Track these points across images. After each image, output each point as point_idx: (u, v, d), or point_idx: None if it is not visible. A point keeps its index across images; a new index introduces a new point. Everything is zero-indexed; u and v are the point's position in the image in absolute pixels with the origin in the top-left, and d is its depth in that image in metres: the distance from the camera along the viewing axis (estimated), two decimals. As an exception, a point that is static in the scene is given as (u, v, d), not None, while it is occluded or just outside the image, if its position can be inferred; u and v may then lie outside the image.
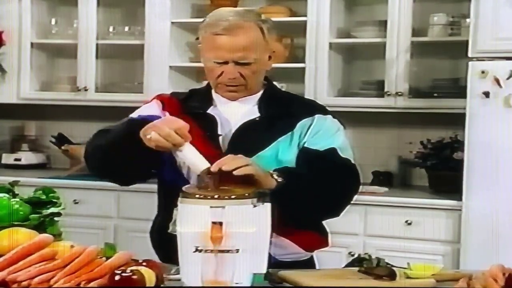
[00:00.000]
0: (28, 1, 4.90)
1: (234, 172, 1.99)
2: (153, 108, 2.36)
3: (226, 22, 2.24)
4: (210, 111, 2.35)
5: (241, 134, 2.30)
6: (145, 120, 2.17)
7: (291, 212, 2.13)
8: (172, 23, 4.68)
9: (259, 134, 2.29)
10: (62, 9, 5.07)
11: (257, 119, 2.32)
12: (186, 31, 4.76)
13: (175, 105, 2.38)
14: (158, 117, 2.26)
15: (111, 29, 4.86)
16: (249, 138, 2.28)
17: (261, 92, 2.38)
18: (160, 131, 2.04)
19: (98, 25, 4.81)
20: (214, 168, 2.00)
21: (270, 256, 2.15)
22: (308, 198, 2.19)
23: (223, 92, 2.34)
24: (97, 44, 4.80)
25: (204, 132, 2.29)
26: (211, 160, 2.05)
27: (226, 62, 2.26)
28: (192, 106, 2.37)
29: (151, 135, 2.04)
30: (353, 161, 2.32)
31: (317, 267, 2.41)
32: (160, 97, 2.43)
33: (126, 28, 4.84)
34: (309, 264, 2.39)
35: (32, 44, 4.94)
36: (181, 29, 4.74)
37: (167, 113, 2.34)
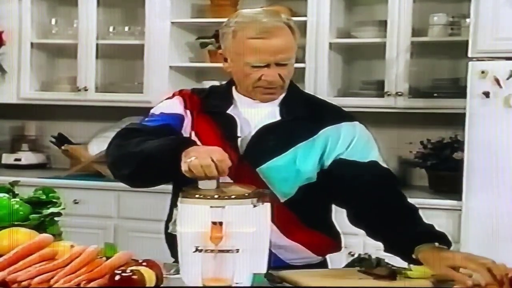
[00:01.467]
0: (28, 1, 4.89)
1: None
2: (175, 106, 2.33)
3: (261, 25, 2.21)
4: (230, 111, 2.30)
5: (260, 137, 2.26)
6: (190, 140, 2.17)
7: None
8: (172, 23, 4.67)
9: (279, 138, 2.25)
10: (62, 9, 5.06)
11: (278, 122, 2.29)
12: (186, 31, 4.76)
13: (196, 103, 2.34)
14: (181, 116, 2.27)
15: (111, 29, 4.86)
16: (268, 142, 2.25)
17: (283, 94, 2.33)
18: (201, 160, 1.96)
19: (98, 25, 4.80)
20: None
21: (281, 261, 2.15)
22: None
23: (260, 95, 2.28)
24: (97, 44, 4.80)
25: (223, 132, 2.26)
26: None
27: (267, 65, 2.23)
28: (212, 105, 2.33)
29: (191, 161, 1.96)
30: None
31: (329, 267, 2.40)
32: (181, 94, 2.38)
33: (126, 28, 4.83)
34: (321, 266, 2.37)
35: (32, 44, 4.94)
36: (181, 29, 4.74)
37: (189, 112, 2.32)
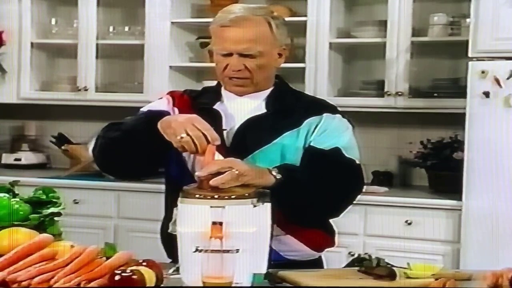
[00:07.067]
0: (28, 1, 4.89)
1: (220, 186, 1.96)
2: (163, 104, 2.37)
3: (233, 15, 2.26)
4: (216, 106, 2.34)
5: (246, 128, 2.29)
6: (163, 113, 2.20)
7: (290, 209, 2.12)
8: (172, 23, 4.67)
9: (264, 129, 2.27)
10: (62, 9, 5.07)
11: (263, 114, 2.31)
12: (186, 31, 4.76)
13: (186, 101, 2.38)
14: (167, 112, 2.28)
15: (111, 29, 4.86)
16: (254, 133, 2.27)
17: (270, 89, 2.37)
18: (191, 132, 2.05)
19: (98, 25, 4.81)
20: (202, 174, 1.98)
21: (276, 253, 2.15)
22: (307, 197, 2.17)
23: (230, 86, 2.33)
24: (97, 44, 4.80)
25: None
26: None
27: (231, 54, 2.26)
28: (201, 102, 2.36)
29: (183, 137, 2.04)
30: (358, 162, 2.29)
31: (325, 267, 2.39)
32: (172, 94, 2.43)
33: (126, 28, 4.84)
34: (317, 264, 2.37)
35: (32, 44, 4.94)
36: (181, 29, 4.74)
37: (176, 109, 2.34)
